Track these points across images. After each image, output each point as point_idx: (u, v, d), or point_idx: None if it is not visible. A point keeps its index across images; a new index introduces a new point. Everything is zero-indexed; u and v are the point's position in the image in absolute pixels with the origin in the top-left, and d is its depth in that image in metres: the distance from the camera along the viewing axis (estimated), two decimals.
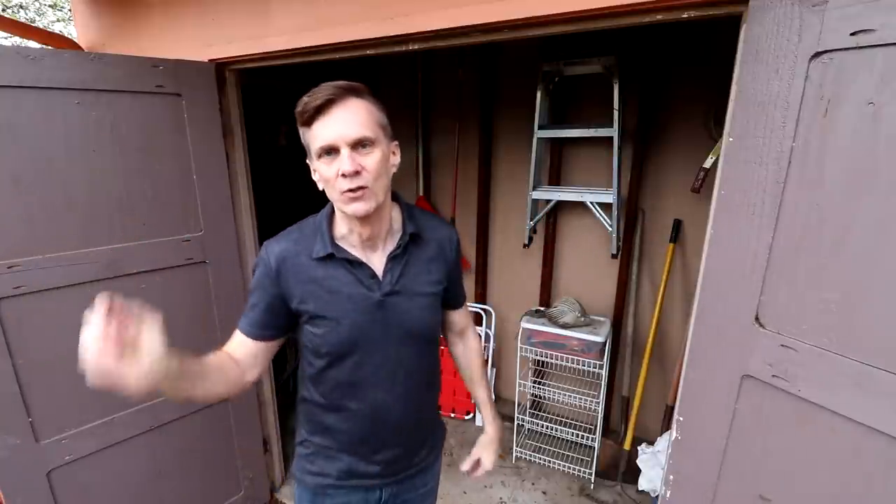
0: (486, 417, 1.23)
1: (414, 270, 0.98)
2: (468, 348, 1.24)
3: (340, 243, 0.95)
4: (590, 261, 2.48)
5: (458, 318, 1.20)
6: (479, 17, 1.21)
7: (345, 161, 0.83)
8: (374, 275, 0.95)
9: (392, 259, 0.96)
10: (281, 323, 0.97)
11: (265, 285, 0.95)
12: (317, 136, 0.84)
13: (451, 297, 1.11)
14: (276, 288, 0.94)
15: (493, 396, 1.05)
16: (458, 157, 2.70)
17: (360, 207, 0.86)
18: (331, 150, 0.84)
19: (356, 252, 0.95)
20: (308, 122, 0.85)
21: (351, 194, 0.85)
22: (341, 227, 0.95)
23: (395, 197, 1.02)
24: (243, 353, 0.97)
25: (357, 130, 0.84)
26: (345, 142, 0.83)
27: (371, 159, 0.86)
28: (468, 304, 2.84)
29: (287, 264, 0.94)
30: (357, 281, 0.94)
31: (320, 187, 0.92)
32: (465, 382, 1.28)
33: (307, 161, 0.92)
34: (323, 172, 0.86)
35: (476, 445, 1.21)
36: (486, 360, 2.76)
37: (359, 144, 0.85)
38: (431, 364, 1.09)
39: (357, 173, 0.84)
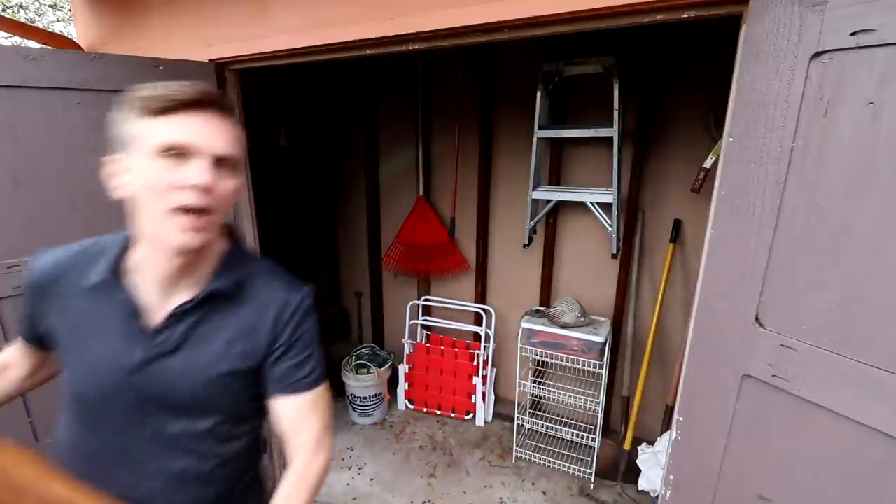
0: None
1: (208, 336, 0.75)
2: (289, 472, 0.78)
3: (130, 275, 0.75)
4: (590, 261, 2.48)
5: (289, 413, 0.79)
6: (479, 17, 1.21)
7: (199, 171, 0.65)
8: (145, 328, 0.73)
9: (177, 315, 0.73)
10: (43, 341, 0.82)
11: (26, 297, 0.80)
12: (168, 129, 0.65)
13: (276, 378, 0.78)
14: (29, 307, 0.80)
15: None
16: (458, 157, 2.70)
17: (193, 239, 0.67)
18: (177, 152, 0.65)
19: (147, 292, 0.74)
20: (161, 111, 0.66)
21: (189, 218, 0.66)
22: (139, 255, 0.75)
23: (232, 233, 0.82)
24: (18, 354, 0.86)
25: (227, 144, 0.69)
26: (210, 151, 0.67)
27: (227, 184, 0.70)
28: (468, 303, 2.86)
29: (50, 281, 0.77)
30: (123, 328, 0.73)
31: (123, 192, 0.71)
32: None
33: (107, 157, 0.74)
34: (153, 176, 0.65)
35: None
36: (487, 360, 2.77)
37: (222, 162, 0.69)
38: (213, 454, 0.78)
39: (209, 191, 0.66)
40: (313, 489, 0.78)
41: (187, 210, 0.66)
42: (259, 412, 0.84)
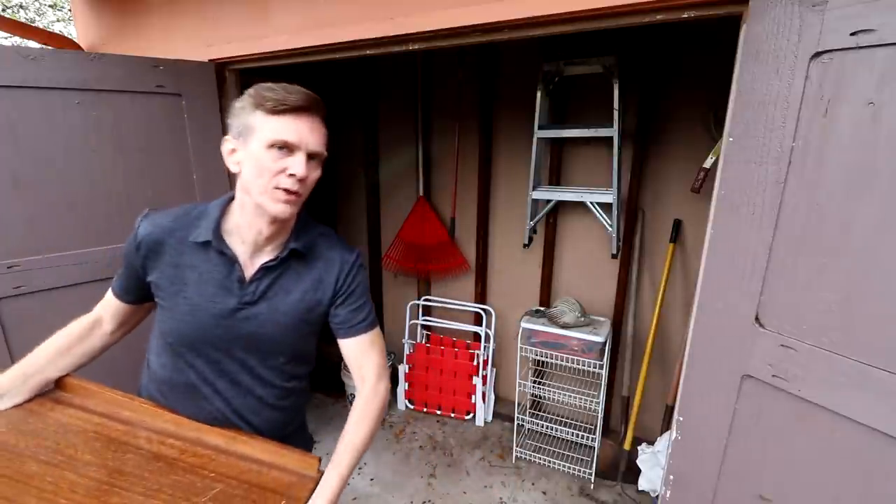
0: (325, 481, 0.87)
1: (286, 287, 0.93)
2: (362, 394, 0.97)
3: (226, 237, 0.91)
4: (590, 261, 2.48)
5: (352, 349, 0.99)
6: (479, 17, 1.21)
7: (300, 164, 0.84)
8: (242, 279, 0.90)
9: (264, 269, 0.91)
10: (142, 293, 0.97)
11: (129, 255, 0.93)
12: (279, 128, 0.82)
13: (339, 321, 0.98)
14: (138, 261, 0.92)
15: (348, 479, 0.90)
16: (458, 157, 2.70)
17: (287, 209, 0.86)
18: (286, 147, 0.83)
19: (239, 250, 0.91)
20: (276, 112, 0.82)
21: (286, 195, 0.85)
22: (235, 221, 0.91)
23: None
24: (111, 312, 1.01)
25: (320, 144, 0.87)
26: (307, 148, 0.84)
27: (315, 173, 0.89)
28: (468, 304, 2.86)
29: (155, 241, 0.91)
30: (220, 280, 0.90)
31: (235, 170, 0.88)
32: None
33: (229, 137, 0.87)
34: (267, 162, 0.83)
35: None
36: (487, 360, 2.77)
37: (313, 156, 0.87)
38: (279, 387, 0.98)
39: (302, 180, 0.85)
40: (382, 405, 0.98)
41: (286, 190, 0.84)
42: (312, 358, 1.05)
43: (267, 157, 0.83)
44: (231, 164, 0.88)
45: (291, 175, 0.83)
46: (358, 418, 0.94)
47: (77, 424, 0.94)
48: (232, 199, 0.93)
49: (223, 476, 0.87)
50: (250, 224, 0.90)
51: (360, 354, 0.99)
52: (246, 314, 0.90)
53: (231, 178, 1.81)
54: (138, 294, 0.98)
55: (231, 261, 0.90)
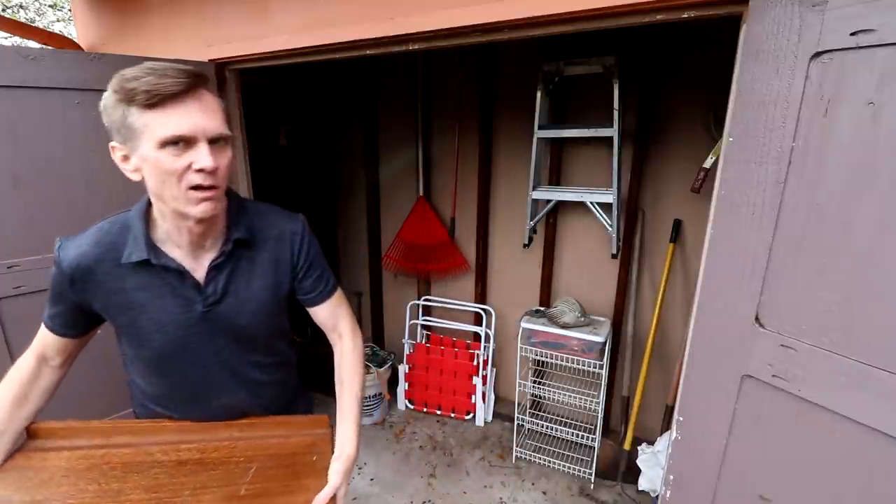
0: (342, 432, 0.96)
1: (244, 277, 0.91)
2: (341, 348, 1.05)
3: (161, 247, 0.84)
4: (590, 261, 2.48)
5: (324, 313, 1.03)
6: (479, 17, 1.21)
7: (204, 156, 0.73)
8: (196, 284, 0.86)
9: (215, 268, 0.87)
10: (89, 323, 0.92)
11: (63, 290, 0.86)
12: (165, 122, 0.71)
13: (305, 293, 1.00)
14: (75, 296, 0.85)
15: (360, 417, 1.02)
16: (458, 158, 2.70)
17: (209, 208, 0.78)
18: (181, 142, 0.73)
19: (180, 257, 0.85)
20: (152, 105, 0.71)
21: (202, 193, 0.76)
22: (163, 228, 0.84)
23: (227, 191, 0.88)
24: (54, 348, 0.93)
25: (218, 125, 0.76)
26: (205, 135, 0.74)
27: (225, 159, 0.79)
28: (468, 304, 2.85)
29: (85, 272, 0.83)
30: (173, 292, 0.85)
31: (137, 178, 0.78)
32: (336, 385, 1.05)
33: (115, 144, 0.78)
34: (167, 164, 0.73)
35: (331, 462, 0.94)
36: (487, 360, 2.77)
37: (216, 140, 0.76)
38: (266, 361, 1.01)
39: (213, 172, 0.75)
40: (363, 355, 1.08)
41: (199, 187, 0.75)
42: (288, 326, 1.05)
43: (164, 159, 0.73)
44: (128, 172, 0.78)
45: (199, 170, 0.74)
46: (350, 371, 1.02)
47: (82, 463, 0.91)
48: (150, 204, 0.85)
49: (252, 457, 0.93)
50: (179, 229, 0.83)
51: (332, 316, 1.04)
52: (215, 314, 0.88)
53: (232, 179, 1.81)
54: (85, 325, 0.92)
55: (178, 271, 0.84)
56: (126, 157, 0.78)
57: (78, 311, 0.88)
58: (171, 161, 0.73)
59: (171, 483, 0.87)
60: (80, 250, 0.84)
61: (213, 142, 0.76)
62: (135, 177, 0.78)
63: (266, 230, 0.94)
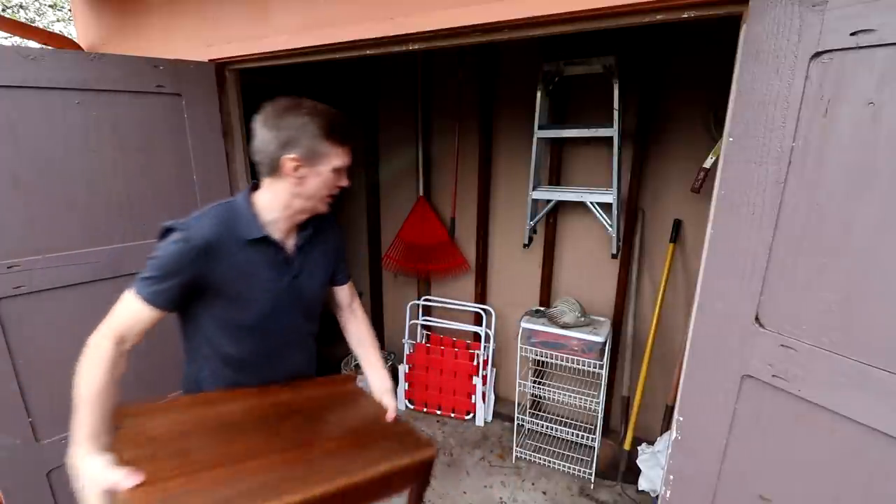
0: (378, 373, 1.29)
1: (313, 258, 1.18)
2: (357, 318, 1.37)
3: (267, 229, 1.08)
4: (590, 261, 2.48)
5: (345, 293, 1.35)
6: (479, 17, 1.21)
7: (345, 180, 1.10)
8: (288, 260, 1.12)
9: (299, 249, 1.14)
10: (188, 299, 1.04)
11: (184, 264, 0.98)
12: (342, 155, 1.06)
13: (337, 276, 1.30)
14: (198, 269, 0.99)
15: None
16: (458, 158, 2.70)
17: (326, 209, 1.13)
18: (342, 170, 1.08)
19: (277, 237, 1.10)
20: (343, 143, 1.05)
21: (330, 199, 1.11)
22: (270, 217, 1.08)
23: None
24: (142, 326, 1.00)
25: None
26: (347, 167, 1.10)
27: None
28: (468, 304, 2.85)
29: (213, 246, 1.00)
30: (271, 265, 1.09)
31: (296, 181, 1.04)
32: (355, 348, 1.37)
33: (296, 156, 1.01)
34: (330, 181, 1.07)
35: (377, 395, 1.23)
36: (487, 360, 2.77)
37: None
38: (313, 330, 1.29)
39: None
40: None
41: (332, 196, 1.11)
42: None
43: (331, 177, 1.06)
44: (292, 174, 1.02)
45: (340, 187, 1.10)
46: (368, 334, 1.35)
47: (194, 422, 0.97)
48: (248, 197, 1.08)
49: (328, 406, 1.13)
50: (292, 217, 1.10)
51: (349, 295, 1.35)
52: (296, 284, 1.14)
53: (232, 178, 1.82)
54: (182, 301, 1.04)
55: (279, 248, 1.10)
56: (298, 167, 1.02)
57: (188, 286, 1.01)
58: (333, 179, 1.07)
59: (300, 427, 1.00)
60: (210, 228, 1.01)
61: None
62: (294, 179, 1.03)
63: (324, 223, 1.20)
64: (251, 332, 1.11)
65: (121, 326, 0.98)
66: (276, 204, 1.07)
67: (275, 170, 1.03)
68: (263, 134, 1.01)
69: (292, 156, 1.00)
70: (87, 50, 2.16)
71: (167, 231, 1.00)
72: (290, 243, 1.13)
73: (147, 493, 0.76)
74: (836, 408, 0.87)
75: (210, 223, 1.02)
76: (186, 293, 1.01)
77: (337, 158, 1.05)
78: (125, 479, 0.79)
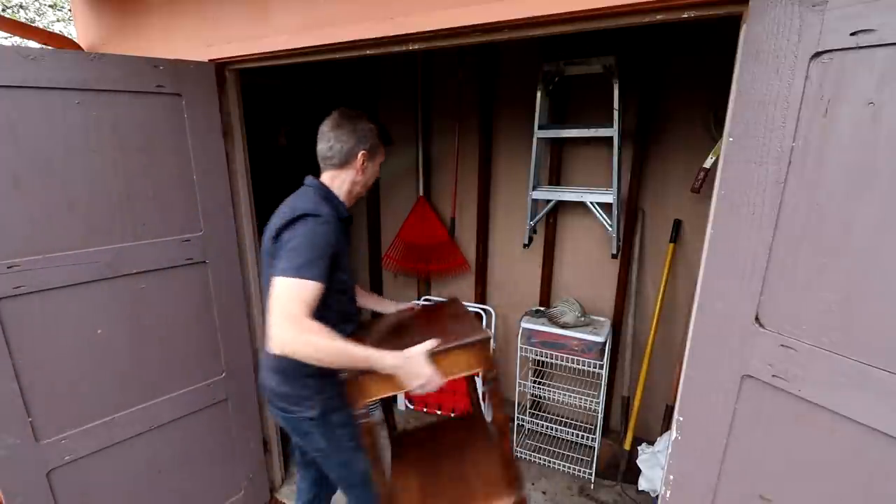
0: (383, 302, 1.74)
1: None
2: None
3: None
4: (590, 261, 2.48)
5: None
6: (479, 17, 1.21)
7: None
8: (348, 232, 1.40)
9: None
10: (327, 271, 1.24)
11: (330, 243, 1.21)
12: (384, 155, 1.44)
13: None
14: (336, 242, 1.24)
15: None
16: (458, 158, 2.70)
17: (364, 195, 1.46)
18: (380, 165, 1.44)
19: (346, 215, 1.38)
20: (387, 146, 1.43)
21: (370, 188, 1.46)
22: (341, 200, 1.37)
23: None
24: (315, 304, 1.15)
25: None
26: None
27: None
28: (468, 303, 2.85)
29: (338, 224, 1.27)
30: (346, 235, 1.36)
31: (355, 168, 1.36)
32: (364, 303, 1.65)
33: (365, 151, 1.35)
34: (377, 171, 1.43)
35: (394, 307, 1.69)
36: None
37: None
38: None
39: None
40: None
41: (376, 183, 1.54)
42: None
43: (377, 171, 1.43)
44: (359, 166, 1.35)
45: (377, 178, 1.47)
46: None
47: (381, 330, 1.58)
48: (322, 185, 1.36)
49: (443, 310, 1.63)
50: (350, 200, 1.40)
51: None
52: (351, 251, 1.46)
53: (232, 178, 1.82)
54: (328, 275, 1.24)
55: (347, 224, 1.37)
56: (364, 160, 1.35)
57: (331, 258, 1.21)
58: (377, 172, 1.44)
59: (428, 328, 1.47)
60: (331, 210, 1.27)
61: None
62: (359, 167, 1.36)
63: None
64: (350, 290, 1.39)
65: (307, 308, 1.11)
66: (344, 189, 1.36)
67: (347, 162, 1.34)
68: (340, 133, 1.32)
69: (363, 151, 1.33)
70: (87, 50, 2.16)
71: (299, 219, 1.19)
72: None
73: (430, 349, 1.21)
74: (836, 408, 0.87)
75: (329, 206, 1.27)
76: (329, 265, 1.20)
77: (382, 156, 1.42)
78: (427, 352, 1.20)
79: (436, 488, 1.47)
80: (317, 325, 1.10)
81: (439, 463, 1.60)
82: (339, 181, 1.36)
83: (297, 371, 1.29)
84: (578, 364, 2.22)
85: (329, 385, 1.32)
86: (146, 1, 1.88)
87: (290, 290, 1.11)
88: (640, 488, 2.08)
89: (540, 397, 2.63)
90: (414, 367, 1.17)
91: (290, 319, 1.08)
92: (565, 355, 2.23)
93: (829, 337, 0.87)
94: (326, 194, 1.32)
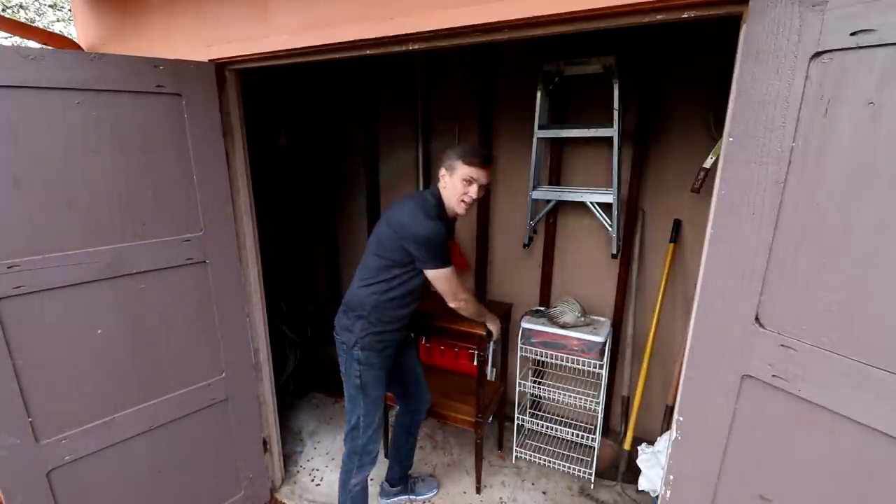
0: None
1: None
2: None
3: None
4: (590, 261, 2.48)
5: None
6: (479, 17, 1.21)
7: (475, 191, 1.69)
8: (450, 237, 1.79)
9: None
10: None
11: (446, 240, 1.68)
12: (469, 171, 1.66)
13: None
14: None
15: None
16: None
17: (465, 212, 1.74)
18: (470, 181, 1.67)
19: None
20: (469, 164, 1.66)
21: (465, 204, 1.71)
22: (443, 209, 1.73)
23: None
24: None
25: (487, 180, 1.72)
26: (480, 183, 1.69)
27: (481, 194, 1.72)
28: None
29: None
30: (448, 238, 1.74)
31: (444, 186, 1.73)
32: None
33: (444, 171, 1.72)
34: (459, 187, 1.68)
35: None
36: (488, 360, 2.77)
37: (482, 186, 1.70)
38: None
39: (475, 199, 1.71)
40: None
41: (466, 202, 1.69)
42: None
43: (461, 185, 1.67)
44: (443, 182, 1.72)
45: (470, 197, 1.69)
46: None
47: None
48: (432, 198, 1.72)
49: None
50: (450, 211, 1.74)
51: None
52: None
53: (231, 178, 1.82)
54: None
55: (449, 229, 1.75)
56: (443, 177, 1.71)
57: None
58: (461, 187, 1.67)
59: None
60: (444, 221, 1.70)
61: (481, 188, 1.70)
62: (444, 185, 1.72)
63: (454, 226, 1.91)
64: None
65: (462, 284, 1.78)
66: (442, 202, 1.75)
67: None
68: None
69: (443, 171, 1.73)
70: (87, 50, 2.16)
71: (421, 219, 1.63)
72: None
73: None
74: (836, 408, 0.87)
75: (437, 216, 1.69)
76: None
77: (466, 172, 1.67)
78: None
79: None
80: (470, 296, 1.84)
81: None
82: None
83: (351, 309, 1.76)
84: (578, 364, 2.22)
85: (365, 326, 1.73)
86: (146, 1, 1.88)
87: (446, 278, 1.73)
88: (640, 488, 2.07)
89: (540, 397, 2.63)
90: (497, 322, 2.03)
91: (458, 295, 1.78)
92: (565, 355, 2.23)
93: (829, 337, 0.87)
94: (439, 199, 1.74)
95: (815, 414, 0.91)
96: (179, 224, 1.68)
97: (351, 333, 1.75)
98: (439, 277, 1.71)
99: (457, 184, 1.65)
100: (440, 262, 1.68)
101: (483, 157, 1.66)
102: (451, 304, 1.79)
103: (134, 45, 1.96)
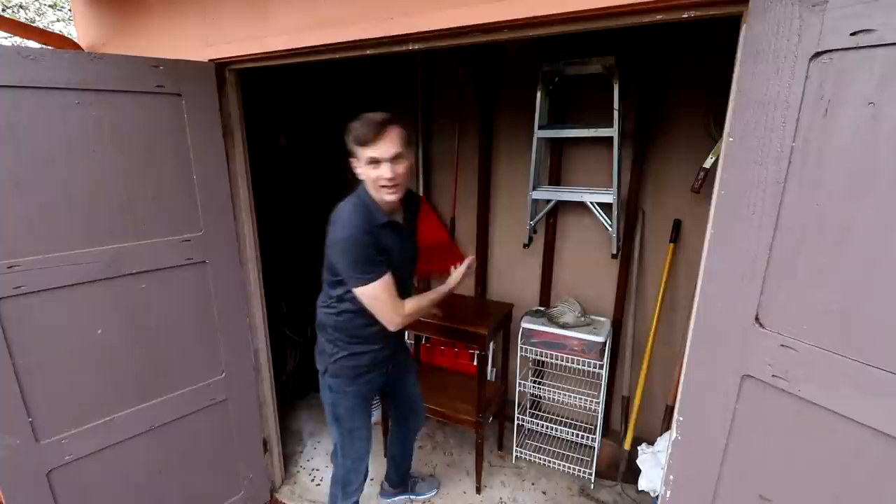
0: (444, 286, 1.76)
1: (410, 233, 1.66)
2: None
3: (389, 215, 1.50)
4: (590, 261, 2.48)
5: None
6: (479, 17, 1.21)
7: (385, 170, 1.39)
8: (399, 232, 1.55)
9: (404, 224, 1.59)
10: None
11: (371, 250, 1.41)
12: (369, 151, 1.38)
13: None
14: (377, 247, 1.43)
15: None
16: (458, 158, 2.70)
17: (391, 196, 1.44)
18: (374, 162, 1.39)
19: (394, 218, 1.53)
20: (364, 144, 1.38)
21: (386, 188, 1.42)
22: (380, 205, 1.47)
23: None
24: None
25: (397, 147, 1.40)
26: (388, 157, 1.39)
27: (402, 167, 1.43)
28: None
29: (372, 231, 1.43)
30: (395, 238, 1.52)
31: (360, 177, 1.47)
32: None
33: (352, 160, 1.45)
34: (368, 173, 1.42)
35: (457, 276, 1.77)
36: (488, 360, 2.77)
37: (395, 157, 1.40)
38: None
39: (393, 177, 1.40)
40: None
41: (386, 186, 1.41)
42: None
43: (368, 169, 1.41)
44: (357, 173, 1.47)
45: (385, 178, 1.40)
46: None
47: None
48: (363, 193, 1.48)
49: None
50: (384, 204, 1.46)
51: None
52: (405, 250, 1.60)
53: (232, 178, 1.82)
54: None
55: (398, 224, 1.55)
56: (356, 168, 1.45)
57: (381, 252, 1.44)
58: (370, 171, 1.41)
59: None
60: (363, 221, 1.42)
61: (393, 159, 1.40)
62: (360, 176, 1.46)
63: (413, 209, 1.68)
64: (397, 284, 1.49)
65: (394, 292, 1.47)
66: (373, 197, 1.50)
67: None
68: None
69: (351, 160, 1.51)
70: (87, 50, 2.15)
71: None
72: (394, 220, 1.55)
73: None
74: (836, 408, 0.87)
75: (361, 218, 1.45)
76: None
77: (365, 154, 1.40)
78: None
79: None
80: (400, 309, 1.52)
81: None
82: None
83: (322, 330, 1.68)
84: (578, 364, 2.22)
85: (334, 350, 1.62)
86: (146, 1, 1.88)
87: (373, 298, 1.56)
88: (640, 488, 2.07)
89: (540, 397, 2.63)
90: (453, 280, 1.75)
91: (393, 318, 1.52)
92: (565, 355, 2.23)
93: (829, 337, 0.87)
94: (362, 204, 1.50)
95: (815, 414, 0.91)
96: (179, 224, 1.68)
97: (322, 357, 1.65)
98: (364, 296, 1.41)
99: (367, 170, 1.39)
100: (360, 277, 1.39)
101: (375, 126, 1.33)
102: (391, 328, 1.48)
103: (134, 45, 1.96)
